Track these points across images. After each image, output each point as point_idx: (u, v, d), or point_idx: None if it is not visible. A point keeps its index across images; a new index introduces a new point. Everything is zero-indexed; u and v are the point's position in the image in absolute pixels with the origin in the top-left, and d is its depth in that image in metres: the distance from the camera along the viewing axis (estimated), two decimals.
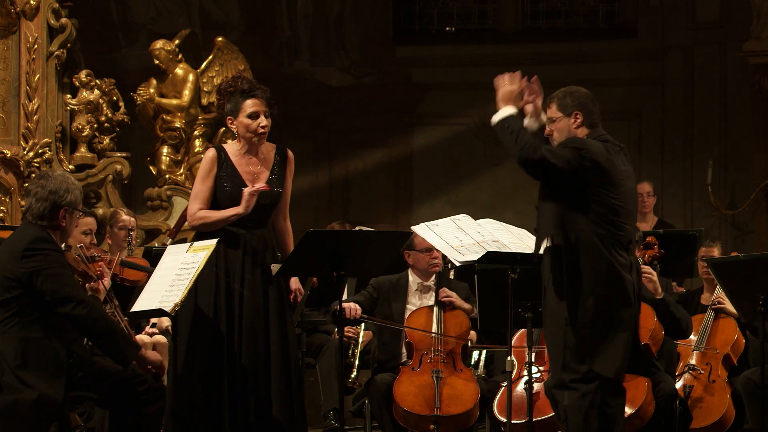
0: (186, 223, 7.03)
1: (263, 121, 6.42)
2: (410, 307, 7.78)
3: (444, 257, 7.66)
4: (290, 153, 6.58)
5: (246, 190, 6.34)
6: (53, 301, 5.79)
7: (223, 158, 6.44)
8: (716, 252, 8.20)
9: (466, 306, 7.72)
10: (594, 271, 5.78)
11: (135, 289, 7.09)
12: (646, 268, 7.46)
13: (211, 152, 6.49)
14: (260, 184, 6.31)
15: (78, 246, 6.72)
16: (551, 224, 5.86)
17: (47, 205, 5.94)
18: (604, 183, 5.79)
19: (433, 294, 7.77)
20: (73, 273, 6.11)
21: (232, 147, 6.52)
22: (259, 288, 6.37)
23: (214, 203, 6.41)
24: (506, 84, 5.94)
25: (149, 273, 6.45)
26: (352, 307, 7.60)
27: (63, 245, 6.18)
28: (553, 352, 5.89)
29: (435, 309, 7.66)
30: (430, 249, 7.66)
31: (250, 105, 6.41)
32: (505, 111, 5.89)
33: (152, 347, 7.87)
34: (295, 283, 6.56)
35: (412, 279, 7.86)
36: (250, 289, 6.35)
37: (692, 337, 7.76)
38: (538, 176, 5.89)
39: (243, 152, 6.47)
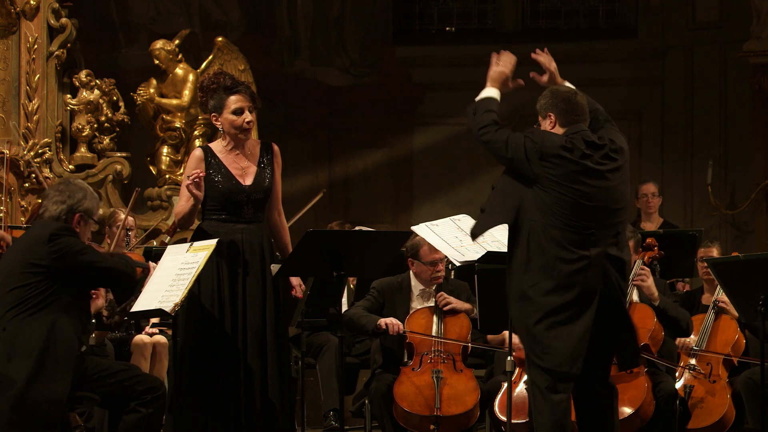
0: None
1: (248, 116, 6.43)
2: (411, 310, 7.76)
3: (444, 258, 7.65)
4: (276, 147, 6.59)
5: (184, 182, 6.36)
6: (83, 262, 5.88)
7: (210, 157, 6.45)
8: (715, 252, 8.19)
9: (466, 306, 7.71)
10: (540, 266, 5.75)
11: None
12: (643, 269, 7.46)
13: (198, 152, 6.51)
14: (195, 172, 6.30)
15: None
16: (502, 211, 5.86)
17: (64, 209, 6.01)
18: (555, 176, 5.76)
19: (434, 298, 7.75)
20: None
21: (218, 145, 6.53)
22: (259, 285, 6.37)
23: (207, 201, 6.40)
24: (499, 65, 6.06)
25: (144, 268, 6.46)
26: (393, 323, 7.56)
27: None
28: (526, 349, 5.91)
29: (435, 310, 7.65)
30: (434, 262, 7.64)
31: (234, 101, 6.42)
32: (488, 92, 6.03)
33: (152, 347, 7.87)
34: (295, 278, 6.56)
35: (414, 283, 7.85)
36: (250, 286, 6.35)
37: (693, 337, 7.76)
38: (496, 157, 5.96)
39: (229, 149, 6.48)
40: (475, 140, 5.97)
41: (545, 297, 5.75)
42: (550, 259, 5.74)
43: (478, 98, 6.06)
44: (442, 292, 7.70)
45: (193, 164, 6.45)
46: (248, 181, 6.43)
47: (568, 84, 6.17)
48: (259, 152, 6.52)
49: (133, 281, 6.22)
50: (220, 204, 6.38)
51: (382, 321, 7.56)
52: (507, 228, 6.19)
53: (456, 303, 7.67)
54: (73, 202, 6.02)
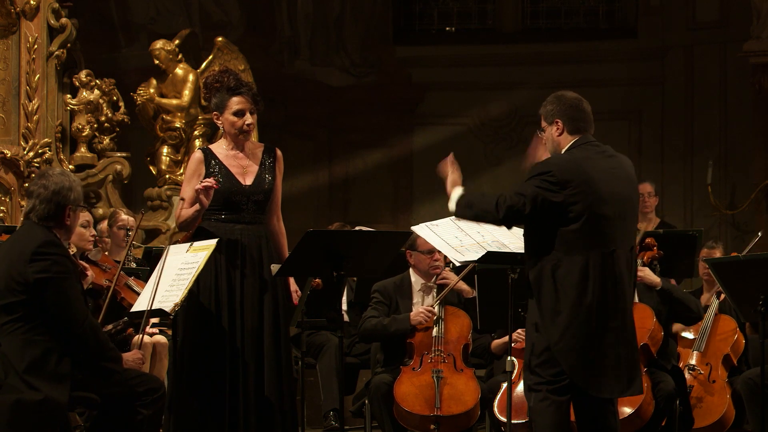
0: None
1: (248, 118, 6.42)
2: (414, 308, 7.77)
3: (444, 257, 7.65)
4: (279, 152, 6.58)
5: (185, 186, 6.37)
6: (53, 314, 5.76)
7: (210, 158, 6.44)
8: (718, 254, 8.19)
9: (466, 287, 7.72)
10: (562, 286, 5.71)
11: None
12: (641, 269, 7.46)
13: (198, 154, 6.50)
14: (209, 181, 6.30)
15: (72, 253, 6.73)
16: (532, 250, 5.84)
17: (52, 207, 5.88)
18: (577, 194, 5.71)
19: (435, 294, 7.76)
20: (77, 282, 6.06)
21: (218, 146, 6.52)
22: (257, 286, 6.37)
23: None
24: (448, 172, 6.02)
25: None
26: (421, 312, 7.56)
27: (66, 243, 6.15)
28: (526, 355, 5.90)
29: (436, 308, 7.65)
30: (432, 251, 7.65)
31: (235, 102, 6.42)
32: (456, 192, 5.95)
33: (152, 347, 7.87)
34: (291, 284, 6.56)
35: (415, 279, 7.85)
36: (248, 287, 6.35)
37: (693, 337, 7.77)
38: (518, 224, 5.93)
39: (230, 149, 6.48)
40: (497, 221, 5.85)
41: (568, 315, 5.73)
42: (574, 281, 5.72)
43: (456, 199, 5.96)
44: (446, 269, 7.71)
45: (193, 166, 6.44)
46: (248, 180, 6.43)
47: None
48: (262, 155, 6.52)
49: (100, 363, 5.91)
50: (220, 203, 6.37)
51: (415, 318, 7.54)
52: (507, 229, 6.18)
53: (457, 281, 7.66)
54: (60, 198, 5.87)
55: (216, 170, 6.40)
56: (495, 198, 5.82)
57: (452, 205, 5.97)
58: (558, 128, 5.91)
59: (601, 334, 5.72)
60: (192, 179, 6.42)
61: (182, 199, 6.40)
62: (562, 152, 5.88)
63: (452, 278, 7.71)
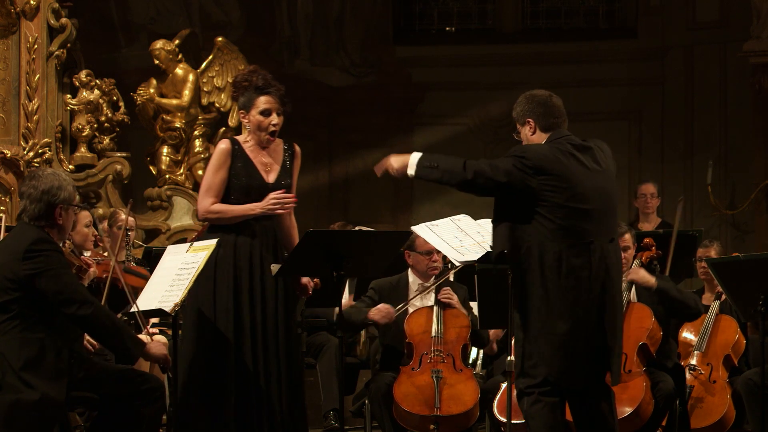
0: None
1: (275, 119, 6.45)
2: (410, 308, 7.77)
3: (445, 258, 7.65)
4: (297, 147, 6.62)
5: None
6: (57, 302, 5.77)
7: (237, 149, 6.43)
8: (713, 252, 8.19)
9: (462, 311, 7.71)
10: (542, 281, 5.70)
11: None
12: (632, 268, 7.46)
13: (225, 144, 6.46)
14: (291, 200, 6.31)
15: (69, 250, 6.72)
16: (504, 239, 5.79)
17: (42, 206, 5.89)
18: (552, 186, 5.70)
19: (433, 294, 7.76)
20: (72, 271, 6.09)
21: (242, 139, 6.52)
22: (271, 282, 6.35)
23: (228, 193, 6.38)
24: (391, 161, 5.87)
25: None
26: (380, 310, 7.53)
27: (61, 243, 6.16)
28: (517, 360, 5.89)
29: (435, 309, 7.65)
30: (430, 252, 7.65)
31: (263, 102, 6.44)
32: (414, 157, 5.80)
33: None
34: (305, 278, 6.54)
35: (413, 279, 7.85)
36: (267, 282, 6.33)
37: (693, 337, 7.77)
38: (484, 193, 5.82)
39: (253, 145, 6.47)
40: (462, 183, 5.73)
41: (550, 310, 5.72)
42: (553, 275, 5.71)
43: (415, 162, 5.77)
44: (449, 288, 7.69)
45: (222, 156, 6.39)
46: (271, 178, 6.44)
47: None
48: (282, 152, 6.53)
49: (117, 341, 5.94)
50: (242, 199, 6.36)
51: (371, 314, 7.55)
52: (474, 194, 6.10)
53: (457, 304, 7.66)
54: (49, 197, 5.89)
55: (242, 162, 6.37)
56: (462, 160, 5.74)
57: (411, 171, 5.79)
58: (531, 127, 5.91)
59: (570, 324, 5.70)
60: (220, 171, 6.38)
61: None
62: None
63: (454, 298, 7.66)
